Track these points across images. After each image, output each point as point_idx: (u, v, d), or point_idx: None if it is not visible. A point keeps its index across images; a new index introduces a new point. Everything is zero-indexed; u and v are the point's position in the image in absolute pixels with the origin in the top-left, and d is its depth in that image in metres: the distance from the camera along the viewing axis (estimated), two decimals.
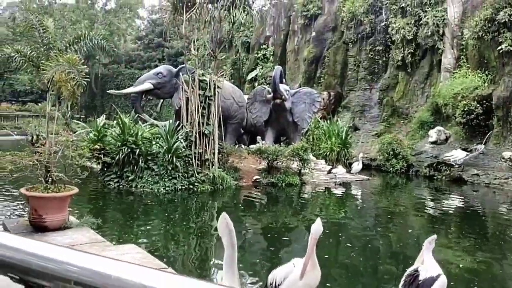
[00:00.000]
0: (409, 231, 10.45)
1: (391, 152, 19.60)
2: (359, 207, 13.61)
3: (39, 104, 29.48)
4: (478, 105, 17.86)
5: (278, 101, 18.13)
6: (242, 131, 19.73)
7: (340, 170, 16.74)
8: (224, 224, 3.18)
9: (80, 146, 8.98)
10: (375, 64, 25.00)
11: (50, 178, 6.81)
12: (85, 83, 7.19)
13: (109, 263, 0.93)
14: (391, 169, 19.48)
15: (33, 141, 17.24)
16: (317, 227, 3.60)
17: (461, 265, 7.29)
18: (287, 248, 8.22)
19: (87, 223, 6.92)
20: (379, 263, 7.78)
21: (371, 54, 24.95)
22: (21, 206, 10.36)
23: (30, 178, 7.20)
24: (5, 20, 41.88)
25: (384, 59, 24.71)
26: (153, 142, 14.47)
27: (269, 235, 9.57)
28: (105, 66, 42.49)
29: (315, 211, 12.35)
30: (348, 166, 17.99)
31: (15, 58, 7.89)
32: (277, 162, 15.59)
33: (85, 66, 7.38)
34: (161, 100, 22.87)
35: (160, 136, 14.48)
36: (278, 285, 3.79)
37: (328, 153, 18.78)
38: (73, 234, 6.15)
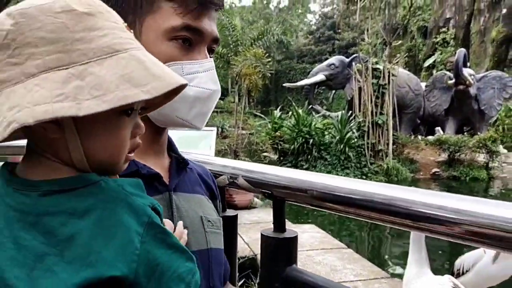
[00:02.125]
0: None
1: None
2: None
3: (222, 101, 32.69)
4: None
5: (461, 87, 16.58)
6: (419, 121, 18.66)
7: None
8: None
9: (261, 135, 9.72)
10: None
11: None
12: (269, 74, 7.74)
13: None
14: None
15: (219, 132, 19.25)
16: None
17: None
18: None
19: (270, 204, 7.48)
20: None
21: None
22: None
23: None
24: None
25: None
26: (326, 133, 14.73)
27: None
28: (278, 62, 44.76)
29: None
30: None
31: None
32: (460, 154, 14.32)
33: (269, 59, 7.95)
34: (332, 92, 23.09)
35: (332, 126, 14.66)
36: (467, 270, 3.54)
37: None
38: (258, 213, 6.73)
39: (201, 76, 0.78)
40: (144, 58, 0.54)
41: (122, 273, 0.51)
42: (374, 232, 8.93)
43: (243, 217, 6.32)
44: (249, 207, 7.16)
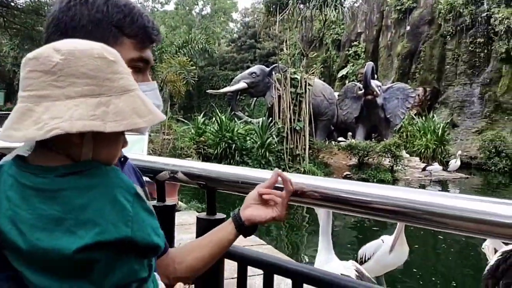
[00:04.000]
0: None
1: (494, 150, 18.47)
2: None
3: None
4: None
5: (369, 97, 17.98)
6: (333, 127, 19.85)
7: (436, 167, 16.19)
8: None
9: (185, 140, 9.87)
10: (475, 57, 23.55)
11: None
12: (193, 82, 7.98)
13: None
14: (493, 167, 18.36)
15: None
16: None
17: None
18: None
19: (194, 207, 7.71)
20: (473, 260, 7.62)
21: (472, 47, 23.55)
22: None
23: None
24: None
25: (486, 51, 23.17)
26: (247, 138, 15.23)
27: (357, 229, 9.73)
28: (201, 69, 44.76)
29: None
30: (445, 164, 17.29)
31: None
32: (368, 158, 15.53)
33: (194, 67, 8.19)
34: (254, 99, 23.72)
35: (254, 132, 15.20)
36: (368, 258, 4.08)
37: (423, 150, 18.22)
38: (182, 215, 6.89)
39: (149, 94, 1.01)
40: (143, 97, 0.83)
41: (125, 233, 0.75)
42: (293, 231, 9.52)
43: None
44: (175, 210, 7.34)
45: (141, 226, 0.79)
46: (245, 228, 1.10)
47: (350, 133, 18.58)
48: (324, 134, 18.75)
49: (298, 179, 1.18)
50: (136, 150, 4.62)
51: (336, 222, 10.10)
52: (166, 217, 1.70)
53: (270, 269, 1.33)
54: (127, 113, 0.77)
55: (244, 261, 1.40)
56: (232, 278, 1.47)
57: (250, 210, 1.10)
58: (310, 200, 1.24)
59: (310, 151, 15.05)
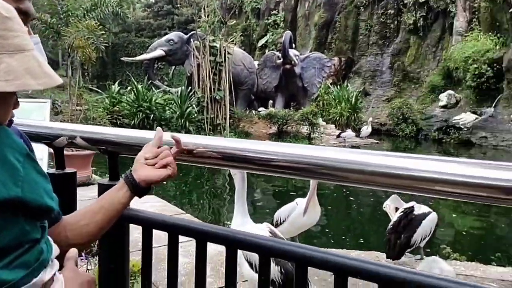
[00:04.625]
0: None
1: (401, 117, 19.79)
2: None
3: None
4: (488, 68, 17.83)
5: (288, 66, 18.31)
6: (253, 96, 20.02)
7: (349, 134, 17.05)
8: None
9: (98, 110, 9.44)
10: (386, 28, 24.78)
11: None
12: (103, 47, 7.57)
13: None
14: (400, 133, 19.72)
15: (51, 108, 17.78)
16: None
17: (466, 226, 7.68)
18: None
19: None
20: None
21: (383, 18, 24.71)
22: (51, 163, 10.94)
23: None
24: None
25: (396, 23, 24.46)
26: (167, 108, 14.90)
27: (278, 195, 10.06)
28: (116, 35, 42.56)
29: None
30: (358, 131, 18.28)
31: (36, 26, 8.26)
32: (287, 127, 15.95)
33: (103, 32, 7.76)
34: (172, 68, 23.14)
35: (173, 102, 14.89)
36: (283, 221, 4.24)
37: (337, 118, 19.05)
38: (96, 189, 6.65)
39: None
40: (40, 58, 0.78)
41: (14, 193, 0.74)
42: (214, 200, 9.61)
43: (80, 194, 6.22)
44: (87, 183, 7.02)
45: (33, 187, 0.78)
46: (141, 189, 1.08)
47: (271, 102, 18.88)
48: (244, 103, 18.86)
49: (191, 139, 1.19)
50: (36, 117, 4.34)
51: (258, 189, 10.37)
52: (66, 185, 1.62)
53: (174, 230, 1.32)
54: (19, 73, 0.74)
55: (149, 224, 1.38)
56: (160, 246, 1.43)
57: (144, 170, 1.09)
58: (208, 160, 1.24)
59: (231, 120, 15.13)
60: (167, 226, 1.34)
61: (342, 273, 1.03)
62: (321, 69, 19.10)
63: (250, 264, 3.08)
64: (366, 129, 17.71)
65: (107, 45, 8.25)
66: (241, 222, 3.37)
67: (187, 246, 4.02)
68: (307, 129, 16.15)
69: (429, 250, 4.33)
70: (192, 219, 5.07)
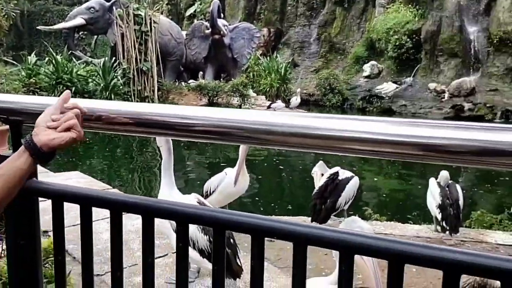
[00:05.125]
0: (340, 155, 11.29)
1: (328, 87, 20.37)
2: None
3: None
4: (408, 40, 18.76)
5: (216, 36, 18.02)
6: (182, 68, 19.56)
7: (279, 104, 17.28)
8: None
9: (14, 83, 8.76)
10: None
11: None
12: (14, 14, 6.94)
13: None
14: (327, 103, 20.34)
15: None
16: None
17: (386, 189, 8.16)
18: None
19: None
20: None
21: None
22: None
23: None
24: None
25: None
26: (90, 80, 14.17)
27: (210, 166, 10.05)
28: (31, 3, 39.38)
29: None
30: (288, 102, 18.58)
31: None
32: (218, 98, 15.84)
33: None
34: (95, 37, 21.94)
35: (96, 73, 14.17)
36: (213, 191, 4.24)
37: (268, 89, 19.19)
38: None
39: None
40: None
41: None
42: (145, 174, 9.40)
43: None
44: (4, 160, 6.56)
45: None
46: (42, 154, 1.01)
47: (201, 73, 18.56)
48: (173, 74, 18.39)
49: (101, 105, 1.12)
50: None
51: (190, 161, 10.28)
52: None
53: (86, 202, 1.25)
54: None
55: (58, 197, 1.30)
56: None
57: (46, 134, 1.01)
58: (122, 126, 1.18)
59: (159, 92, 14.72)
60: (79, 198, 1.26)
61: (258, 234, 1.04)
62: (251, 40, 19.02)
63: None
64: (295, 100, 18.05)
65: (18, 11, 7.59)
66: (169, 194, 3.32)
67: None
68: (237, 101, 16.15)
69: (352, 212, 4.56)
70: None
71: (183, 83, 18.38)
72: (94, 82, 13.89)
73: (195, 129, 1.11)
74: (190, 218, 1.13)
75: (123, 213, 1.20)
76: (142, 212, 1.16)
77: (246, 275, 3.04)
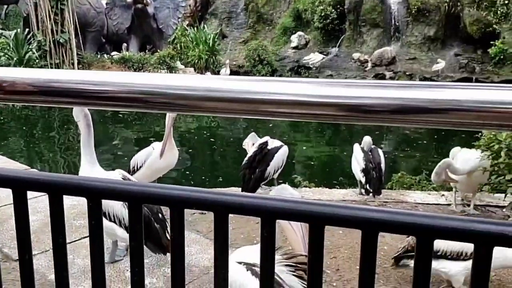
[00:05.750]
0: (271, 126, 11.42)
1: (257, 58, 20.35)
2: None
3: None
4: (333, 10, 19.12)
5: (139, 6, 17.23)
6: (104, 39, 18.58)
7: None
8: (78, 109, 3.27)
9: None
10: None
11: None
12: None
13: None
14: (257, 74, 20.35)
15: None
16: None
17: (315, 156, 8.39)
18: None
19: None
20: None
21: None
22: None
23: None
24: None
25: None
26: (1, 54, 13.04)
27: (138, 141, 9.75)
28: None
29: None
30: (217, 73, 18.38)
31: None
32: (144, 71, 15.28)
33: None
34: (5, 7, 20.09)
35: (8, 46, 13.05)
36: (140, 166, 4.09)
37: (196, 61, 18.82)
38: None
39: None
40: None
41: None
42: (68, 153, 8.92)
43: None
44: None
45: None
46: None
47: (124, 45, 17.74)
48: (94, 47, 17.43)
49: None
50: None
51: (117, 137, 9.89)
52: None
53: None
54: None
55: None
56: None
57: None
58: (23, 96, 1.06)
59: (80, 66, 13.90)
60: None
61: (176, 205, 0.98)
62: (176, 10, 18.43)
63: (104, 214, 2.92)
64: (224, 72, 17.91)
65: None
66: (90, 171, 3.15)
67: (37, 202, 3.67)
68: (165, 72, 15.68)
69: (281, 181, 4.63)
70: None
71: (105, 55, 17.49)
72: (6, 56, 12.80)
73: (108, 96, 1.02)
74: (102, 194, 1.05)
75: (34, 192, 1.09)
76: (48, 189, 1.06)
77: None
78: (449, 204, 4.55)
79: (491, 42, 15.41)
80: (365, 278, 0.90)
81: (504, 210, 4.28)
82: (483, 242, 0.82)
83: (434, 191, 4.99)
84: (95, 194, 1.05)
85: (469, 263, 2.71)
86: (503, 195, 3.87)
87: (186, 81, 0.98)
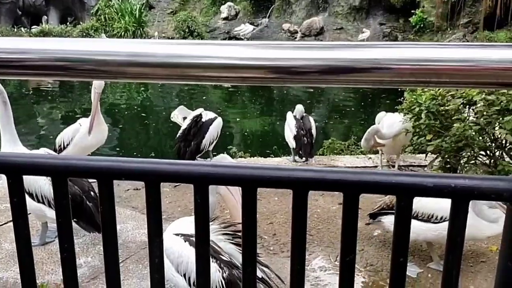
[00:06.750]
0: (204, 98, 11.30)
1: (187, 30, 19.87)
2: None
3: None
4: None
5: None
6: (20, 12, 17.21)
7: None
8: None
9: None
10: None
11: None
12: None
13: None
14: None
15: None
16: (99, 83, 3.72)
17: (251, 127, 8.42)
18: None
19: None
20: None
21: None
22: None
23: None
24: None
25: None
26: None
27: (64, 118, 9.27)
28: None
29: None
30: None
31: None
32: None
33: None
34: None
35: None
36: (67, 144, 3.90)
37: (123, 33, 18.03)
38: None
39: None
40: None
41: None
42: None
43: None
44: None
45: None
46: None
47: (44, 17, 16.55)
48: (10, 20, 16.14)
49: None
50: None
51: (41, 115, 9.33)
52: None
53: None
54: None
55: None
56: None
57: None
58: None
59: None
60: None
61: (104, 177, 0.95)
62: None
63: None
64: None
65: None
66: (11, 151, 2.96)
67: None
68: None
69: (215, 153, 4.63)
70: None
71: (23, 29, 16.24)
72: None
73: (22, 65, 0.94)
74: (23, 169, 0.99)
75: None
76: None
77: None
78: (375, 166, 4.81)
79: (412, 11, 16.14)
80: (297, 237, 0.93)
81: (425, 169, 4.59)
82: (406, 193, 0.88)
83: (362, 155, 5.24)
84: (15, 170, 0.98)
85: (438, 225, 2.88)
86: (424, 155, 4.15)
87: (108, 45, 0.93)
